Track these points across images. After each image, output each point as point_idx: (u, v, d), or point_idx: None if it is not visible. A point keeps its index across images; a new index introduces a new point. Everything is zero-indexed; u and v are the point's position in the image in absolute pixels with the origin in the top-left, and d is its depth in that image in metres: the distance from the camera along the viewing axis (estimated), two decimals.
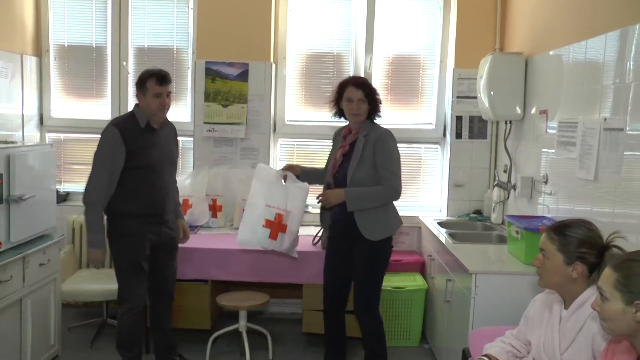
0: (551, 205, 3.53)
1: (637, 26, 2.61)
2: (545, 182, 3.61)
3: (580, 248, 2.12)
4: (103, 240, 3.44)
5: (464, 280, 3.18)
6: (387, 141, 3.45)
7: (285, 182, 3.62)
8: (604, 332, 1.93)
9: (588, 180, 3.01)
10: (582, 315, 2.11)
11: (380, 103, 3.55)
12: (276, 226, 3.58)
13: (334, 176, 3.51)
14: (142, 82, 3.41)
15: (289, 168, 3.65)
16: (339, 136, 3.64)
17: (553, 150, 3.49)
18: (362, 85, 3.46)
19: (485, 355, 2.37)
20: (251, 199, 3.63)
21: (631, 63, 2.67)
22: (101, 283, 4.22)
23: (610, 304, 1.71)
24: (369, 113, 3.49)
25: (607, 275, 1.74)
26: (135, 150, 3.37)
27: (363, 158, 3.40)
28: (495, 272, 3.10)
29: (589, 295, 2.08)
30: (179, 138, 3.73)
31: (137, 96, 3.45)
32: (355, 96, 3.42)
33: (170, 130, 3.63)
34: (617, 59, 2.81)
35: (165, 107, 3.45)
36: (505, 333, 2.47)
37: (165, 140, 3.55)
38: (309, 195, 3.63)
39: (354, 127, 3.52)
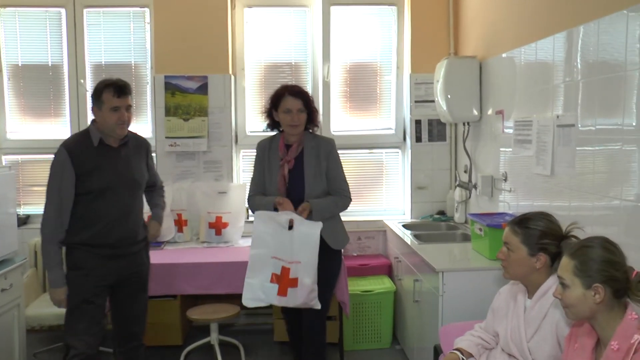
0: (512, 202, 3.63)
1: (582, 27, 2.73)
2: (505, 180, 3.71)
3: (542, 239, 2.22)
4: (63, 277, 3.03)
5: (432, 279, 3.24)
6: (336, 151, 3.40)
7: (292, 228, 3.21)
8: (567, 318, 2.02)
9: (545, 175, 3.12)
10: (545, 303, 2.20)
11: (317, 112, 3.44)
12: (284, 281, 3.18)
13: (286, 195, 3.31)
14: (97, 94, 3.02)
15: (285, 206, 3.25)
16: (269, 150, 3.40)
17: (511, 149, 3.60)
18: (300, 94, 3.31)
19: (457, 349, 2.43)
20: (253, 248, 3.25)
21: (579, 62, 2.78)
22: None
23: (571, 290, 1.80)
24: (305, 123, 3.36)
25: (565, 263, 1.84)
26: (85, 173, 2.98)
27: (318, 172, 3.31)
28: (461, 270, 3.18)
29: (551, 283, 2.17)
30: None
31: (93, 110, 3.05)
32: (294, 106, 3.28)
33: (136, 146, 3.22)
34: (565, 59, 2.92)
35: (124, 123, 3.04)
36: (474, 327, 2.54)
37: (126, 159, 3.12)
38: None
39: (292, 140, 3.35)
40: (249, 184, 3.53)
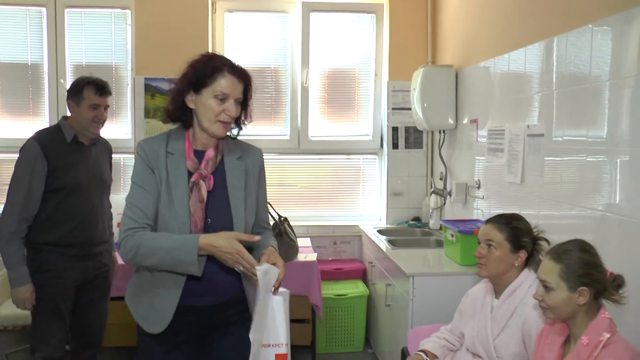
0: (485, 209, 3.69)
1: (553, 39, 2.81)
2: (478, 187, 3.78)
3: (524, 238, 2.34)
4: (27, 274, 2.90)
5: (403, 283, 3.29)
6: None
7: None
8: (534, 316, 2.10)
9: (515, 183, 3.19)
10: (513, 301, 2.28)
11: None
12: None
13: (204, 227, 2.11)
14: (77, 90, 2.97)
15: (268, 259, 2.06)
16: (165, 158, 2.12)
17: (484, 157, 3.67)
18: (244, 75, 2.15)
19: (421, 351, 2.49)
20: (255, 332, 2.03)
21: (549, 74, 2.86)
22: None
23: (556, 293, 1.87)
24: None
25: (550, 267, 1.90)
26: (58, 169, 2.89)
27: (248, 195, 2.21)
28: (432, 274, 3.24)
29: (520, 282, 2.29)
30: (119, 155, 3.38)
31: (69, 105, 3.01)
32: (234, 91, 2.09)
33: (103, 148, 3.17)
34: (537, 71, 3.00)
35: (100, 122, 3.00)
36: (440, 329, 2.60)
37: (96, 158, 3.07)
38: None
39: (206, 144, 2.17)
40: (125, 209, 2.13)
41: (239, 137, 2.29)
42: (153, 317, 2.15)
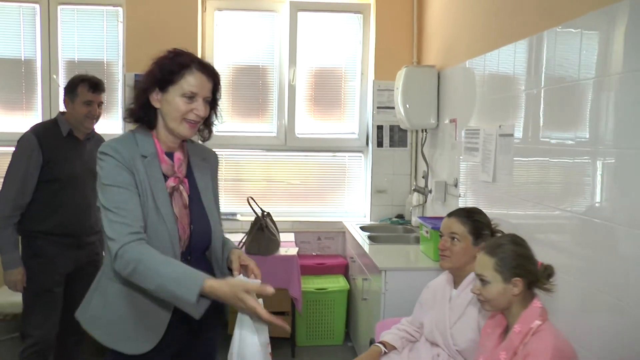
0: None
1: (528, 39, 2.86)
2: (456, 186, 3.87)
3: (484, 230, 2.48)
4: (19, 258, 3.05)
5: (377, 278, 3.38)
6: None
7: None
8: (484, 311, 2.20)
9: (488, 182, 3.27)
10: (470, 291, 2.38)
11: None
12: None
13: (190, 234, 2.03)
14: (72, 87, 3.14)
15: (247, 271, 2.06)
16: (140, 160, 1.95)
17: (462, 156, 3.75)
18: (213, 72, 2.04)
19: (380, 342, 2.58)
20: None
21: (524, 75, 2.93)
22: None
23: (492, 285, 1.98)
24: None
25: (485, 261, 2.01)
26: (53, 160, 3.04)
27: (216, 197, 2.20)
28: (404, 269, 3.33)
29: None
30: None
31: (65, 102, 3.18)
32: (202, 90, 1.98)
33: (98, 143, 3.12)
34: (510, 71, 3.08)
35: (94, 117, 3.16)
36: (401, 320, 2.69)
37: (90, 152, 3.12)
38: None
39: (171, 147, 2.05)
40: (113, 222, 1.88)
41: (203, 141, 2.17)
42: (143, 335, 1.95)
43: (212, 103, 2.05)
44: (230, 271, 2.10)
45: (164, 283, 1.76)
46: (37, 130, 3.11)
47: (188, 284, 1.74)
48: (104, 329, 1.97)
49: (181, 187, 2.01)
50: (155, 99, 1.97)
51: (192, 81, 1.95)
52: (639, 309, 1.96)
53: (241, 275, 1.99)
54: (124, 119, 2.08)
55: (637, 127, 2.00)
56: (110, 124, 4.87)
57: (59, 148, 3.10)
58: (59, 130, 3.14)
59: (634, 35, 2.03)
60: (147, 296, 1.92)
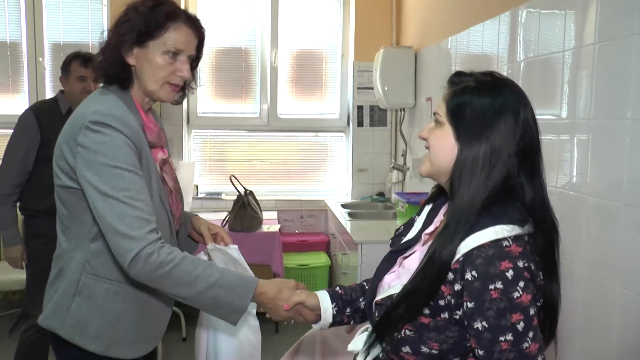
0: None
1: (500, 17, 2.96)
2: None
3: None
4: (18, 235, 3.14)
5: (354, 252, 3.51)
6: None
7: None
8: None
9: None
10: None
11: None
12: None
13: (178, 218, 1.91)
14: (66, 65, 3.19)
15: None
16: (141, 132, 1.72)
17: None
18: (201, 29, 1.79)
19: None
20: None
21: (493, 52, 3.05)
22: (19, 272, 4.25)
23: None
24: None
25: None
26: (51, 138, 2.80)
27: None
28: (379, 242, 3.43)
29: None
30: None
31: (61, 80, 3.23)
32: (188, 47, 1.74)
33: None
34: (479, 50, 3.20)
35: (89, 93, 2.88)
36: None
37: None
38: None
39: (146, 109, 1.83)
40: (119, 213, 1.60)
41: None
42: (146, 335, 1.78)
43: (192, 63, 1.79)
44: (193, 240, 2.00)
45: (207, 289, 1.59)
46: (36, 109, 3.15)
47: (239, 289, 1.64)
48: (95, 336, 1.70)
49: (170, 160, 1.84)
50: (131, 55, 1.69)
51: (176, 36, 1.68)
52: (595, 274, 2.10)
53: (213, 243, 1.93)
54: (94, 80, 1.90)
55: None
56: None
57: (57, 126, 2.97)
58: (58, 109, 3.17)
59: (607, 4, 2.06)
60: (145, 292, 1.72)
